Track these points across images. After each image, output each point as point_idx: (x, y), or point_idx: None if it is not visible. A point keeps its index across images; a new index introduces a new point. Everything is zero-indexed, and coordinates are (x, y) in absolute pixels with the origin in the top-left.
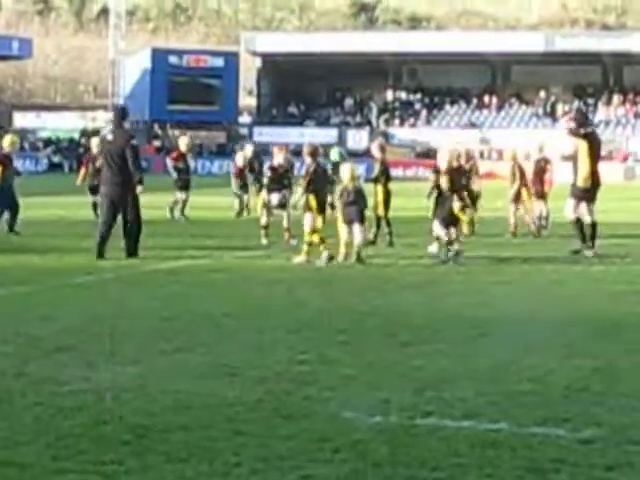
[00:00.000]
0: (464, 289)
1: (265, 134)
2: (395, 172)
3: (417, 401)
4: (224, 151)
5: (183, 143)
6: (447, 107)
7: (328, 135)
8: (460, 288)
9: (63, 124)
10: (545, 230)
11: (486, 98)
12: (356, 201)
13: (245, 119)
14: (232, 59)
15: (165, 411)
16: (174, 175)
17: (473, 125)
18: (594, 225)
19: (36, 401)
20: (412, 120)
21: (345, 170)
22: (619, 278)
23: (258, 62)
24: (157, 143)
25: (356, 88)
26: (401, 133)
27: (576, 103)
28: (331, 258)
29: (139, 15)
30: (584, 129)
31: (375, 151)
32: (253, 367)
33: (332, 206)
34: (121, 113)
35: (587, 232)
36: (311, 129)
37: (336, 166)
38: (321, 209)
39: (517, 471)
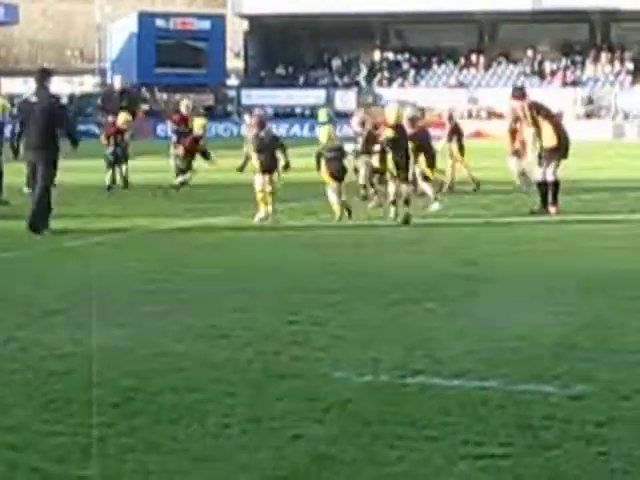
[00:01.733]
0: (452, 247)
1: (253, 96)
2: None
3: (407, 360)
4: (212, 114)
5: (184, 106)
6: (435, 67)
7: (316, 96)
8: (448, 246)
9: (51, 89)
10: (527, 187)
11: (474, 57)
12: (339, 157)
13: (233, 81)
14: (219, 22)
15: (154, 373)
16: (174, 138)
17: (461, 84)
18: (556, 184)
19: (26, 365)
20: (400, 80)
21: (322, 133)
22: (609, 234)
23: (245, 24)
24: (145, 107)
25: (343, 49)
26: (389, 93)
27: (563, 61)
28: (266, 218)
29: None
30: (524, 101)
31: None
32: (242, 328)
33: (287, 165)
34: (44, 74)
35: (548, 191)
36: (299, 90)
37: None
38: (265, 170)
39: (507, 428)
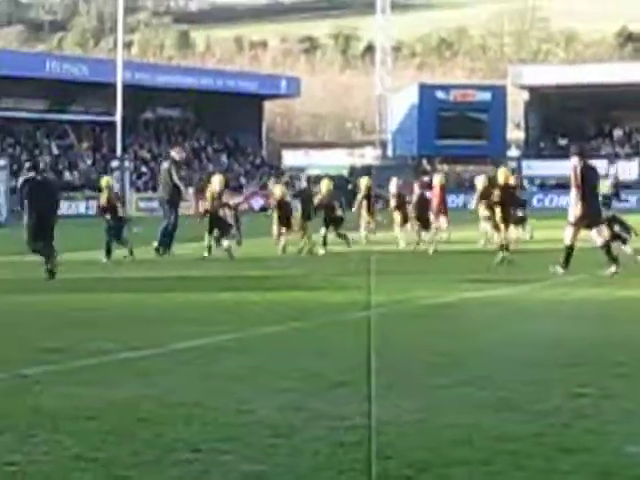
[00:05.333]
0: None
1: (534, 167)
2: None
3: None
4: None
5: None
6: None
7: (597, 166)
8: None
9: (331, 161)
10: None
11: None
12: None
13: (513, 152)
14: (499, 93)
15: (445, 445)
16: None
17: None
18: (608, 247)
19: (315, 435)
20: None
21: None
22: None
23: (525, 95)
24: (426, 179)
25: (625, 119)
26: None
27: None
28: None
29: (404, 51)
30: (580, 161)
31: None
32: (532, 401)
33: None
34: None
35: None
36: None
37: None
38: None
39: None
